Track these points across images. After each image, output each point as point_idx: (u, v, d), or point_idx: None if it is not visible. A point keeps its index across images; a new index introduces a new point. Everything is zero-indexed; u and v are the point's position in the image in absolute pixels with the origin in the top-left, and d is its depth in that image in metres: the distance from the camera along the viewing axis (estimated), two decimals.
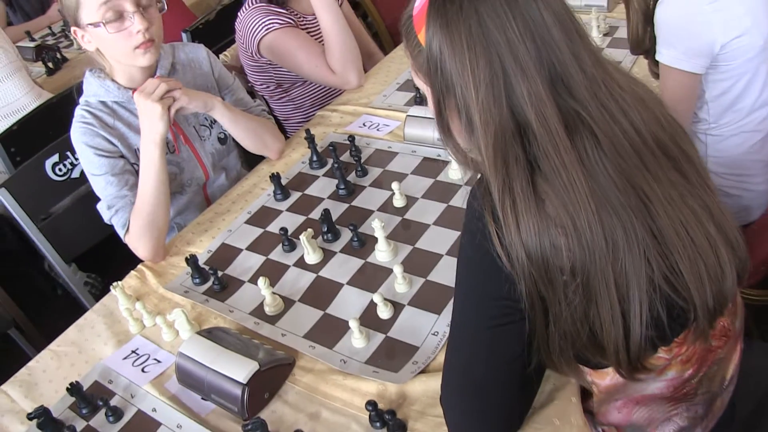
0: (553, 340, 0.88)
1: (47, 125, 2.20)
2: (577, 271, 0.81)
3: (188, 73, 1.65)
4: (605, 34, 1.87)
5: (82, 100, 1.57)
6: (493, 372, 0.91)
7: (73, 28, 1.46)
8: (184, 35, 2.41)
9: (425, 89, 0.93)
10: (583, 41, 0.86)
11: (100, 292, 2.76)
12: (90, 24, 1.41)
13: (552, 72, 0.83)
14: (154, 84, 1.43)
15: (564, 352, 0.89)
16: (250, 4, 1.92)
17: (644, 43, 1.46)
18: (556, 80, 0.83)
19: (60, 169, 1.93)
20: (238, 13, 1.95)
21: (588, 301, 0.83)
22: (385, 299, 1.22)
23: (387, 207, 1.48)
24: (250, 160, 1.88)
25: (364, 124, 1.77)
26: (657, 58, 1.39)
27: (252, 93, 2.22)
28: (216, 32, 2.46)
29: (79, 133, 1.53)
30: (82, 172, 1.94)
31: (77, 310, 1.99)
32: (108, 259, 2.10)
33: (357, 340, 1.18)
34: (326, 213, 1.40)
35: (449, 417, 0.97)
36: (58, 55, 2.79)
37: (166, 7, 1.50)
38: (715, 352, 0.99)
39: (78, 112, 1.56)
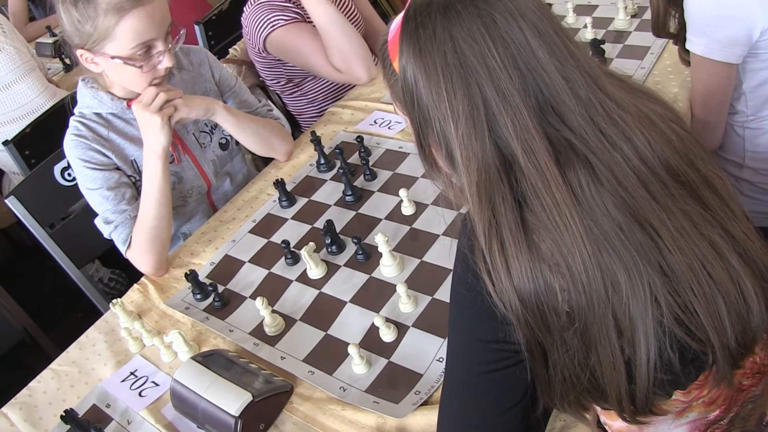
0: (554, 385, 0.80)
1: (61, 126, 2.17)
2: (574, 316, 0.73)
3: (186, 78, 1.57)
4: (633, 16, 1.73)
5: (76, 110, 1.52)
6: (492, 421, 0.83)
7: (80, 51, 1.36)
8: (196, 27, 2.34)
9: (405, 120, 0.85)
10: (575, 60, 0.75)
11: (125, 288, 2.76)
12: (116, 57, 1.33)
13: (540, 99, 0.73)
14: (152, 94, 1.36)
15: (565, 396, 0.81)
16: (255, 0, 1.83)
17: (667, 26, 1.32)
18: (545, 108, 0.73)
19: (69, 174, 1.88)
20: (244, 8, 1.87)
21: (587, 347, 0.75)
22: (388, 321, 1.14)
23: (395, 215, 1.39)
24: (266, 161, 1.81)
25: (375, 122, 1.68)
26: (688, 47, 1.25)
27: (264, 87, 2.15)
28: (230, 23, 2.38)
29: (71, 146, 1.47)
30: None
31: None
32: None
33: (357, 366, 1.11)
34: (329, 224, 1.32)
35: None
36: None
37: (183, 39, 1.44)
38: (748, 391, 0.88)
39: (72, 123, 1.50)
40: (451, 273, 1.19)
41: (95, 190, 1.46)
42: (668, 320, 0.72)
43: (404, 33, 0.78)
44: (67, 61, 2.72)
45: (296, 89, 2.00)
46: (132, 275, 2.73)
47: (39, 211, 1.83)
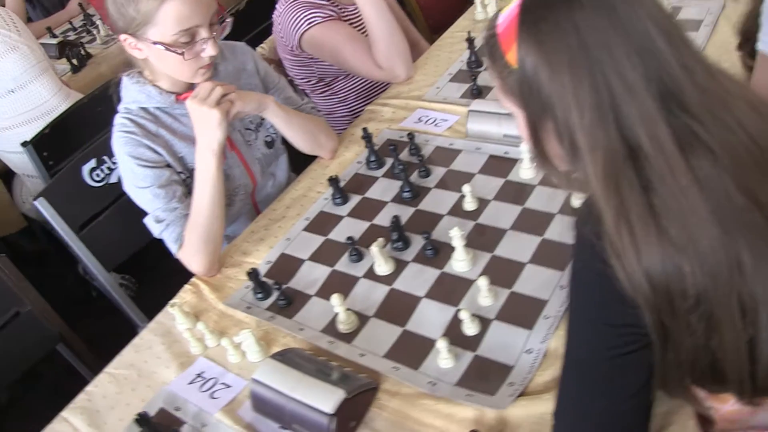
0: (671, 369, 0.81)
1: (79, 127, 2.13)
2: (700, 298, 0.74)
3: (232, 74, 1.55)
4: None
5: (121, 107, 1.47)
6: (617, 407, 0.83)
7: (123, 36, 1.33)
8: None
9: (515, 112, 0.86)
10: (690, 50, 0.78)
11: (134, 293, 2.71)
12: (158, 42, 1.30)
13: (661, 87, 0.75)
14: (208, 88, 1.33)
15: (682, 380, 0.83)
16: None
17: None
18: (666, 96, 0.75)
19: (98, 175, 1.84)
20: (277, 6, 1.85)
21: (711, 329, 0.76)
22: (472, 314, 1.14)
23: (457, 210, 1.38)
24: (296, 163, 1.78)
25: (420, 119, 1.68)
26: (759, 47, 1.26)
27: (293, 86, 2.12)
28: (248, 22, 2.36)
29: (121, 143, 1.43)
30: (120, 177, 1.86)
31: (113, 313, 1.93)
32: (140, 260, 2.03)
33: (445, 360, 1.10)
34: (396, 220, 1.31)
35: None
36: (83, 52, 2.69)
37: (230, 28, 1.41)
38: None
39: (118, 120, 1.46)
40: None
41: (146, 188, 1.42)
42: None
43: (523, 25, 0.79)
44: (75, 61, 2.66)
45: (327, 88, 1.99)
46: (142, 281, 2.68)
47: (68, 213, 1.78)
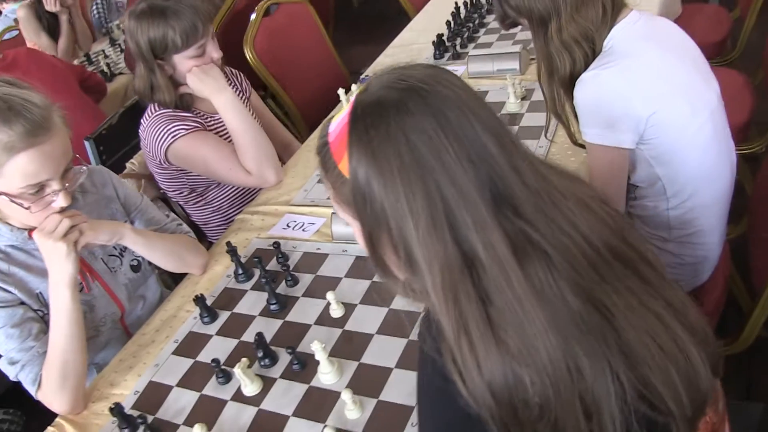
0: None
1: None
2: (544, 407, 0.74)
3: (91, 201, 1.51)
4: (523, 99, 1.86)
5: None
6: None
7: None
8: (86, 143, 2.27)
9: (351, 221, 0.84)
10: (519, 152, 0.78)
11: (21, 429, 2.52)
12: (2, 194, 1.25)
13: (494, 191, 0.75)
14: (55, 221, 1.29)
15: None
16: (153, 111, 1.81)
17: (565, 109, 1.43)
18: (498, 200, 0.75)
19: None
20: (141, 121, 1.84)
21: None
22: (338, 430, 1.12)
23: (324, 319, 1.38)
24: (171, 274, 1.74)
25: (288, 225, 1.68)
26: (584, 138, 1.35)
27: (165, 200, 2.10)
28: (121, 136, 2.34)
29: None
30: None
31: None
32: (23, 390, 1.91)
33: None
34: (260, 337, 1.29)
35: None
36: None
37: (84, 176, 1.39)
38: None
39: None
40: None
41: None
42: (631, 397, 0.75)
43: (353, 134, 0.77)
44: None
45: (200, 198, 1.97)
46: (31, 414, 2.50)
47: None
